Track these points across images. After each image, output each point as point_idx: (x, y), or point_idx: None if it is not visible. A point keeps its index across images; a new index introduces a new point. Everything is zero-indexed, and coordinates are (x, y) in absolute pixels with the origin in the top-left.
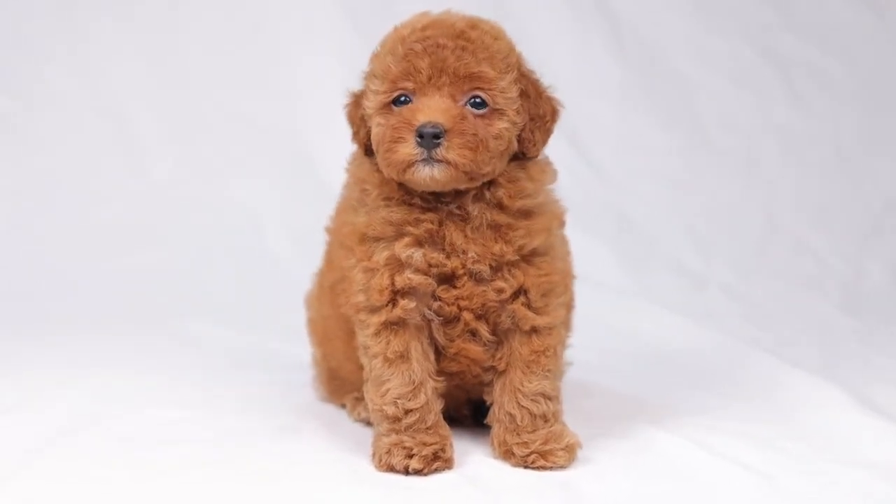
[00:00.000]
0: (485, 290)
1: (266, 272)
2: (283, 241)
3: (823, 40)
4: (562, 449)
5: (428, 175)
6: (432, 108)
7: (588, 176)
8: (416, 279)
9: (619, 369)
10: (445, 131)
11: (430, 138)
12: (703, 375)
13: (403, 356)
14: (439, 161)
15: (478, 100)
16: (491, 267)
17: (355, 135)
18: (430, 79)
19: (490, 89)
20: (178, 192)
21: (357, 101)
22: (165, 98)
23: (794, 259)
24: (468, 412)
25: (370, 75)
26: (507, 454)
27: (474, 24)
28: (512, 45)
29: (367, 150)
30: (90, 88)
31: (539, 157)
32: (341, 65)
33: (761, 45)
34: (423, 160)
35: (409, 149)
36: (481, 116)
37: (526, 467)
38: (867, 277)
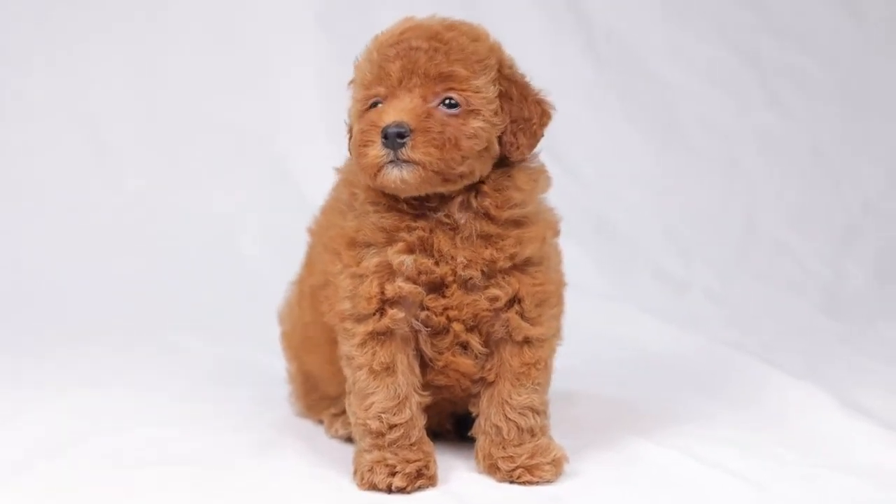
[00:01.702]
0: (476, 300)
1: (246, 283)
2: (262, 252)
3: (802, 42)
4: (548, 463)
5: (397, 177)
6: (397, 109)
7: (566, 181)
8: (407, 287)
9: (603, 375)
10: (411, 130)
11: (394, 138)
12: (688, 380)
13: (389, 368)
14: (406, 161)
15: (450, 100)
16: (483, 273)
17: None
18: (400, 81)
19: (463, 89)
20: (156, 201)
21: None
22: (144, 108)
23: (775, 261)
24: (451, 426)
25: (352, 84)
26: (491, 468)
27: (452, 26)
28: (493, 48)
29: None
30: (68, 98)
31: (531, 165)
32: (321, 75)
33: (739, 48)
34: (391, 162)
35: (377, 150)
36: (455, 116)
37: (512, 482)
38: (848, 279)
